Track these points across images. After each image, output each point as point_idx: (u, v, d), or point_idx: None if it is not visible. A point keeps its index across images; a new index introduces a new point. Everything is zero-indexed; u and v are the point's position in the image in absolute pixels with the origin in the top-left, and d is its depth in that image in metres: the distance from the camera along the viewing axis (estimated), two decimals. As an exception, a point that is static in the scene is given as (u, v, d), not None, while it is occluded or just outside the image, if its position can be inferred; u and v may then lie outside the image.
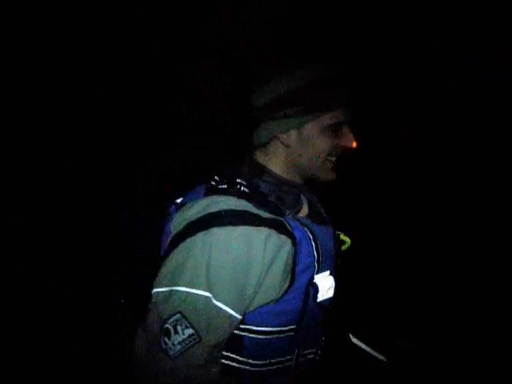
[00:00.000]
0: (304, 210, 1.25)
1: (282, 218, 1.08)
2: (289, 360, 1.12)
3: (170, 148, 3.22)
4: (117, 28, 2.93)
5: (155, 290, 1.06)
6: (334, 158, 1.16)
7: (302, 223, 1.11)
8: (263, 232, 1.03)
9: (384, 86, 3.27)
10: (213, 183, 1.15)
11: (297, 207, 1.21)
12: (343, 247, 1.24)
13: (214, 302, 1.00)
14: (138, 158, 3.09)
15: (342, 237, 1.25)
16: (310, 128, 1.13)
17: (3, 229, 3.04)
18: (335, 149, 1.15)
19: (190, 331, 1.00)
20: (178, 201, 1.23)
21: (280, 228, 1.06)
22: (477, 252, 2.98)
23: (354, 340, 1.05)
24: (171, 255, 1.06)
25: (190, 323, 1.00)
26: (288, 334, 1.08)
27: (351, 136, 1.15)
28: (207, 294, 1.00)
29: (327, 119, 1.12)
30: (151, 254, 1.24)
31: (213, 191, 1.12)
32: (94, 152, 3.20)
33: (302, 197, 1.28)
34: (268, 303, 1.05)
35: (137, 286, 1.20)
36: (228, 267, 1.01)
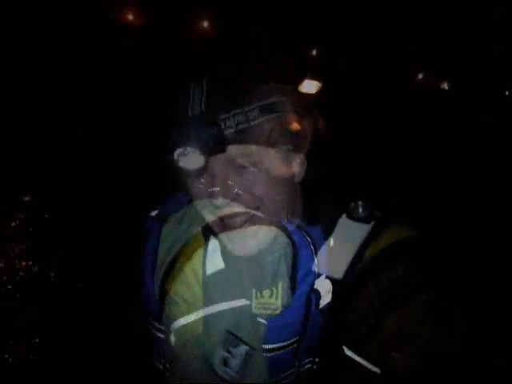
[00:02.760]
0: (297, 211, 1.14)
1: (280, 221, 1.02)
2: (290, 374, 1.05)
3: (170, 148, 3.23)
4: (118, 29, 2.93)
5: (177, 323, 1.02)
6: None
7: (298, 226, 1.04)
8: (273, 230, 0.99)
9: (383, 86, 3.26)
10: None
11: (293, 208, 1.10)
12: None
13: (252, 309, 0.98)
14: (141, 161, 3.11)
15: None
16: None
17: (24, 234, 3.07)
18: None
19: (243, 348, 0.95)
20: (154, 214, 1.18)
21: (284, 230, 1.01)
22: (477, 252, 2.98)
23: (348, 352, 1.06)
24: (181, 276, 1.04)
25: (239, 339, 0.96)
26: (291, 347, 1.02)
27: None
28: (245, 301, 0.98)
29: None
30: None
31: None
32: (96, 154, 3.23)
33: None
34: (269, 316, 0.99)
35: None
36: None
